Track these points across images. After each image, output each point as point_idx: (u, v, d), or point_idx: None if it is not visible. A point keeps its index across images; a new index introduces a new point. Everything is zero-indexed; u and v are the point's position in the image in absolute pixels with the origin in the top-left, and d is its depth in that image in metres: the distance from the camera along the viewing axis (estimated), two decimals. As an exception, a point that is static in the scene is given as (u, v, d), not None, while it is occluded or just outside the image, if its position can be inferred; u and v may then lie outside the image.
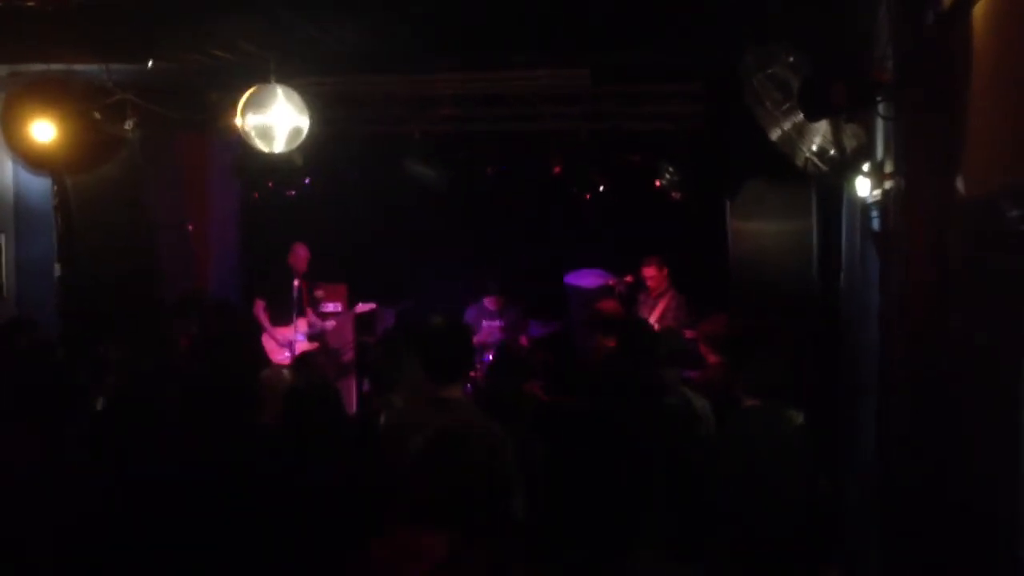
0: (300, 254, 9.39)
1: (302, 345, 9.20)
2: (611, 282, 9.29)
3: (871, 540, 5.18)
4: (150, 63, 6.61)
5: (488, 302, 9.92)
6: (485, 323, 9.76)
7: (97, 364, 5.79)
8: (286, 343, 9.08)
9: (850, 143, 5.02)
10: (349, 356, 9.81)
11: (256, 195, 9.72)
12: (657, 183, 9.19)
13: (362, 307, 9.83)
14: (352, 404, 9.30)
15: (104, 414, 4.79)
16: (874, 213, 5.13)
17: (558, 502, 4.75)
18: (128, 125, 7.26)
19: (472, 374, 8.46)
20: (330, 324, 9.73)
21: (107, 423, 4.67)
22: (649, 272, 8.81)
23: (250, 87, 6.06)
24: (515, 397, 5.19)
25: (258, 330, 9.19)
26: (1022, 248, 2.64)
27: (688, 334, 7.24)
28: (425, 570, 3.95)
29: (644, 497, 4.78)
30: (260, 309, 9.24)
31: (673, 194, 9.13)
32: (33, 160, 7.50)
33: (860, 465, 5.55)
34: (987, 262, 3.07)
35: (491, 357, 8.92)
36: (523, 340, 9.73)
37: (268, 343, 9.18)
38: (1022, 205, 2.65)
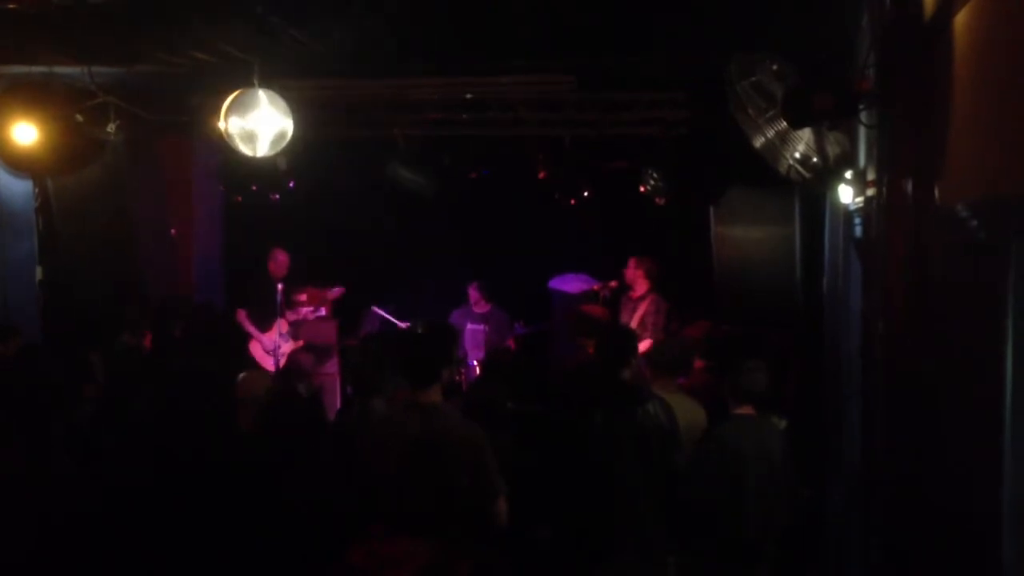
0: (280, 259, 9.35)
1: (287, 347, 9.16)
2: (595, 287, 9.29)
3: (854, 543, 5.21)
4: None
5: (472, 294, 9.92)
6: (470, 326, 9.73)
7: (82, 369, 5.77)
8: (272, 347, 9.04)
9: (833, 151, 5.04)
10: (331, 348, 9.73)
11: (239, 199, 9.68)
12: (641, 188, 9.21)
13: (334, 292, 9.79)
14: (335, 408, 9.27)
15: (90, 419, 4.77)
16: (857, 220, 5.15)
17: (539, 507, 4.76)
18: (111, 128, 7.24)
19: (457, 378, 8.46)
20: (311, 314, 9.65)
21: (92, 428, 4.65)
22: (629, 265, 8.81)
23: (233, 91, 6.04)
24: (501, 405, 5.18)
25: (243, 335, 9.16)
26: (987, 257, 2.67)
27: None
28: (406, 576, 3.96)
29: (623, 503, 4.79)
30: (243, 317, 9.20)
31: (657, 200, 9.14)
32: (15, 162, 7.46)
33: (844, 469, 5.57)
34: (962, 269, 3.10)
35: (475, 363, 8.92)
36: (511, 343, 9.73)
37: (256, 350, 9.14)
38: (987, 215, 2.67)
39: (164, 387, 5.33)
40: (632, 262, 8.75)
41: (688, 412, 5.23)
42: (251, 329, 9.16)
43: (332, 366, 9.51)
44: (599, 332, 5.70)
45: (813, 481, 5.68)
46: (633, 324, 8.35)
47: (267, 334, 9.09)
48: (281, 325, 9.04)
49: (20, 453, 4.05)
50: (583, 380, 5.35)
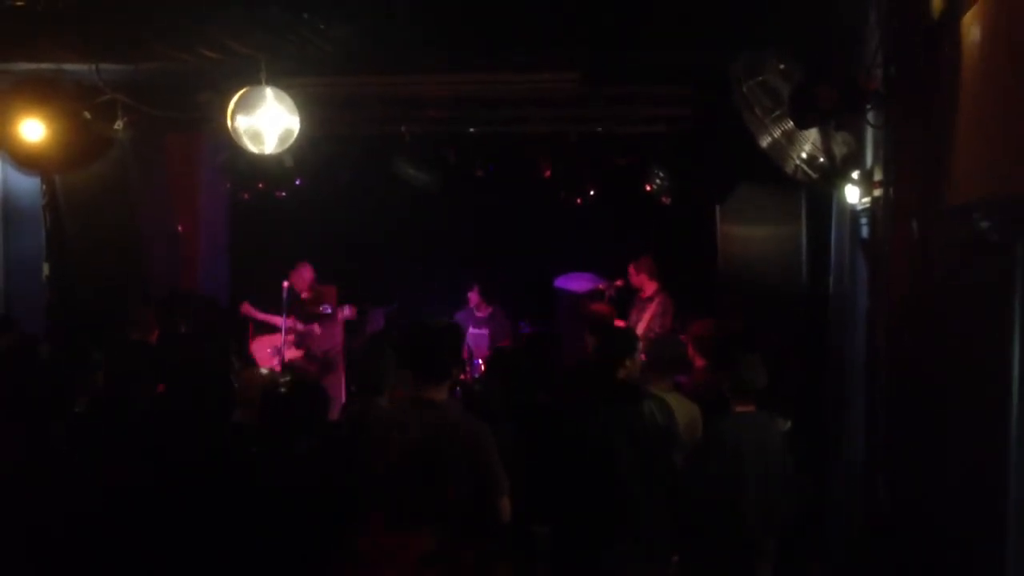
0: (304, 275, 9.28)
1: (289, 352, 9.13)
2: (601, 286, 9.29)
3: (856, 540, 5.21)
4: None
5: (472, 298, 9.91)
6: (472, 330, 9.73)
7: (84, 363, 5.76)
8: (272, 347, 9.03)
9: (840, 151, 5.04)
10: (336, 357, 9.71)
11: (246, 196, 9.69)
12: (647, 187, 9.20)
13: (346, 313, 9.75)
14: (339, 405, 9.26)
15: (87, 414, 4.77)
16: (863, 220, 5.15)
17: (539, 502, 4.78)
18: (118, 125, 7.23)
19: (463, 377, 8.46)
20: (316, 329, 9.61)
21: (89, 423, 4.64)
22: (630, 273, 8.84)
23: (240, 88, 6.05)
24: (506, 401, 5.20)
25: (246, 331, 9.16)
26: (994, 257, 2.67)
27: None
28: (409, 568, 3.97)
29: (623, 498, 4.80)
30: (249, 309, 9.18)
31: (663, 198, 9.14)
32: (22, 159, 7.47)
33: (846, 467, 5.57)
34: (968, 269, 3.09)
35: (479, 361, 8.92)
36: (508, 341, 9.71)
37: (258, 349, 9.12)
38: (995, 215, 2.67)
39: (165, 382, 5.33)
40: (631, 268, 8.79)
41: (685, 410, 5.25)
42: (258, 315, 9.12)
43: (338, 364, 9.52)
44: (600, 330, 5.72)
45: (815, 479, 5.68)
46: (642, 325, 8.36)
47: (273, 336, 9.07)
48: (287, 322, 9.00)
49: (20, 452, 4.05)
50: (581, 378, 5.37)
